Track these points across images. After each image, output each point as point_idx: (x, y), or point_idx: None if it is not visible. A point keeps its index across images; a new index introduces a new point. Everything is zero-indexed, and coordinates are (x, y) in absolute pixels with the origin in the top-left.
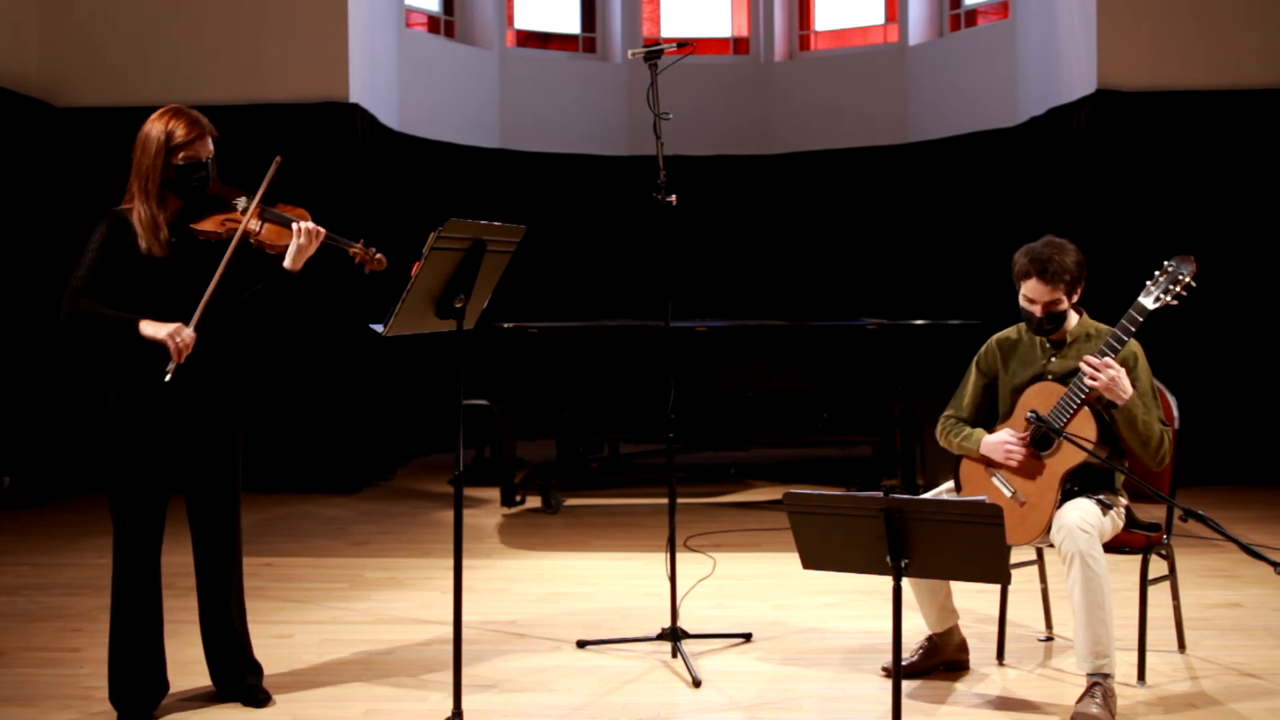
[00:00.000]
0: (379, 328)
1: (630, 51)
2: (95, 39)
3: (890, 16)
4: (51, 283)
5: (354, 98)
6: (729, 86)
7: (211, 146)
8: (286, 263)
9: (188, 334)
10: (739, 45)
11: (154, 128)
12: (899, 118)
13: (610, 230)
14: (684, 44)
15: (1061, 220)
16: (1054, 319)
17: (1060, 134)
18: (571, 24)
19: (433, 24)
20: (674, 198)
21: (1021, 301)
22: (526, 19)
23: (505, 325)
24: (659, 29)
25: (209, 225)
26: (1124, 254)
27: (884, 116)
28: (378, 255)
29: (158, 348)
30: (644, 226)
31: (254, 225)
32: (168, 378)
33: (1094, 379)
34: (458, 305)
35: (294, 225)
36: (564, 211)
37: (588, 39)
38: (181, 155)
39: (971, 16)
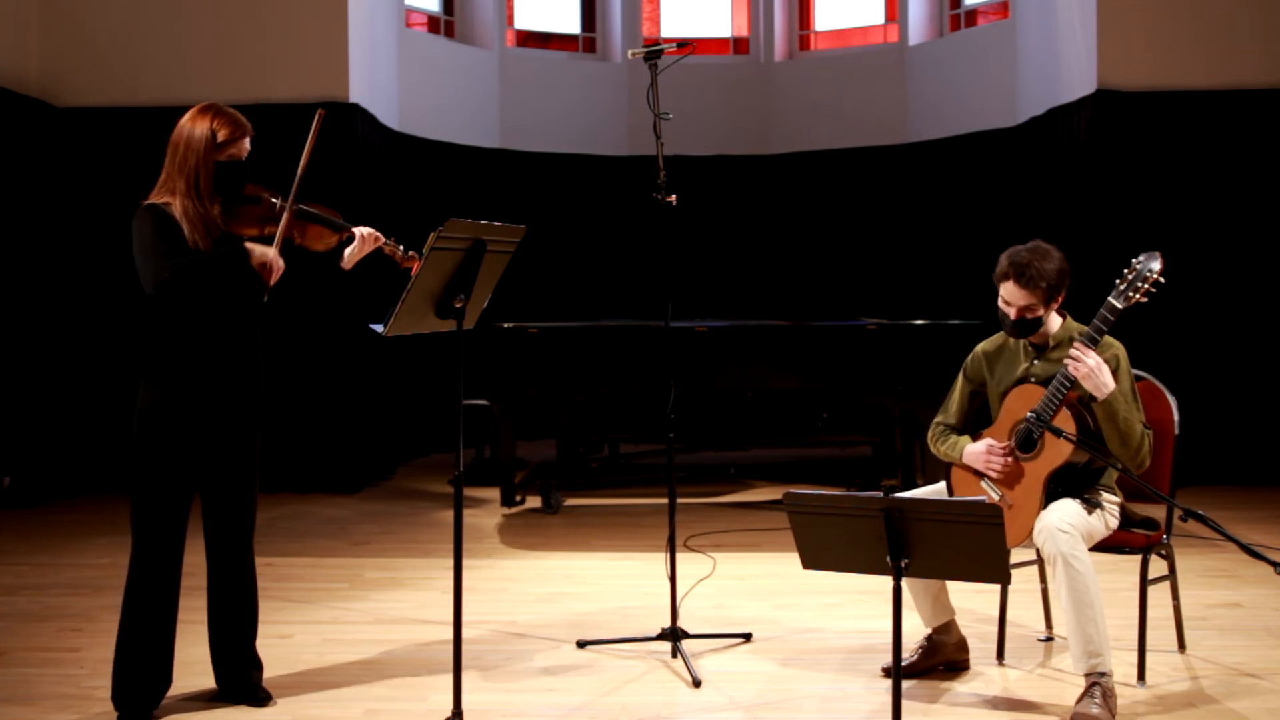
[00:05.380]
0: (379, 328)
1: (630, 51)
2: (95, 39)
3: (890, 16)
4: (51, 283)
5: (354, 98)
6: (729, 86)
7: (249, 145)
8: (344, 264)
9: (280, 260)
10: (739, 45)
11: (198, 126)
12: (899, 118)
13: (610, 230)
14: (684, 44)
15: (1061, 220)
16: (1026, 324)
17: (1060, 134)
18: (571, 24)
19: (433, 24)
20: (674, 198)
21: (999, 302)
22: (526, 19)
23: (505, 325)
24: (659, 29)
25: (247, 227)
26: (1124, 255)
27: (884, 116)
28: (410, 253)
29: (198, 342)
30: (644, 226)
31: (294, 227)
32: (265, 298)
33: (1076, 368)
34: (458, 305)
35: (357, 232)
36: (564, 211)
37: (588, 39)
38: (225, 154)
39: (971, 16)
